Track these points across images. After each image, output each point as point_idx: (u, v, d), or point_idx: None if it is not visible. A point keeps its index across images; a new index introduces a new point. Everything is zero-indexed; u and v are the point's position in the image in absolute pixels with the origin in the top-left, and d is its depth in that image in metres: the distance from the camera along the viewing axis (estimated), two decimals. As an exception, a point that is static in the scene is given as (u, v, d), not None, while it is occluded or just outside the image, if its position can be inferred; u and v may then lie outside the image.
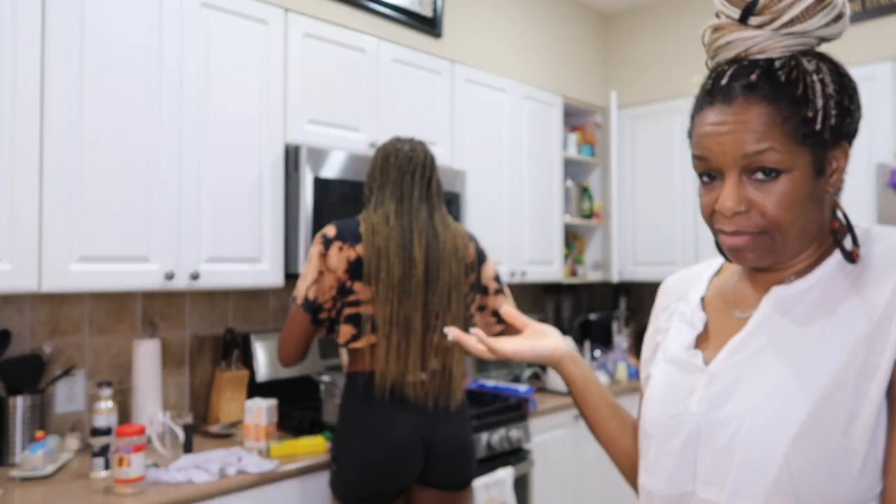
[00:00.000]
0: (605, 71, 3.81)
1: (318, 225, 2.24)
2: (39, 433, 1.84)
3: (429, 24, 2.78)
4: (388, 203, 1.85)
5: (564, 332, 3.73)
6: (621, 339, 3.54)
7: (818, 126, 0.75)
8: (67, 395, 2.10)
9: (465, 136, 2.91)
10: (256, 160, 2.20)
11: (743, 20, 0.78)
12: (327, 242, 1.80)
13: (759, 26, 0.78)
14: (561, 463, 2.84)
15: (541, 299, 3.79)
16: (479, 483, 2.23)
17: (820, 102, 0.75)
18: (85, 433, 2.10)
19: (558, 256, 3.40)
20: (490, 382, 2.87)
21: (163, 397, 2.23)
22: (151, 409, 2.14)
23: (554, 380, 3.04)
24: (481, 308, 2.01)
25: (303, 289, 1.80)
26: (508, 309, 1.02)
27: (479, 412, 2.42)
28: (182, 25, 2.03)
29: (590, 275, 3.73)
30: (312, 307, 1.80)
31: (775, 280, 0.82)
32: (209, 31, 2.10)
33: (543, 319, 3.73)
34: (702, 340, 0.87)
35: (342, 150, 2.37)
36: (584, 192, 3.71)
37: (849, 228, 0.80)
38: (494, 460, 2.42)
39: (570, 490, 2.89)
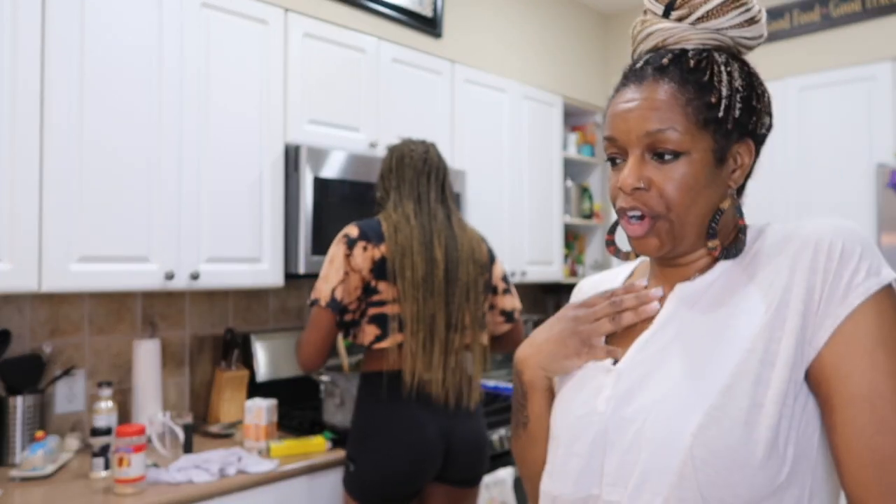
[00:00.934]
0: (605, 71, 3.81)
1: (318, 225, 2.24)
2: (39, 433, 1.84)
3: (429, 24, 2.78)
4: (406, 203, 1.86)
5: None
6: (621, 339, 3.53)
7: (720, 113, 0.78)
8: (67, 395, 2.10)
9: (465, 136, 2.91)
10: (256, 160, 2.20)
11: (665, 15, 0.84)
12: (351, 242, 1.79)
13: (679, 20, 0.83)
14: (561, 463, 2.84)
15: (541, 299, 3.79)
16: (480, 483, 2.23)
17: (725, 91, 0.79)
18: (85, 433, 2.10)
19: (558, 256, 3.40)
20: (490, 382, 2.87)
21: (163, 397, 2.23)
22: (151, 409, 2.14)
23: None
24: (490, 307, 2.02)
25: (327, 290, 1.77)
26: None
27: (479, 412, 2.42)
28: (182, 25, 2.03)
29: (590, 275, 3.72)
30: (339, 308, 1.77)
31: (681, 277, 0.84)
32: (209, 31, 2.10)
33: (543, 319, 3.73)
34: (614, 341, 0.87)
35: (342, 150, 2.37)
36: (584, 192, 3.71)
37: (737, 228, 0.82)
38: (494, 460, 2.42)
39: (570, 490, 2.89)
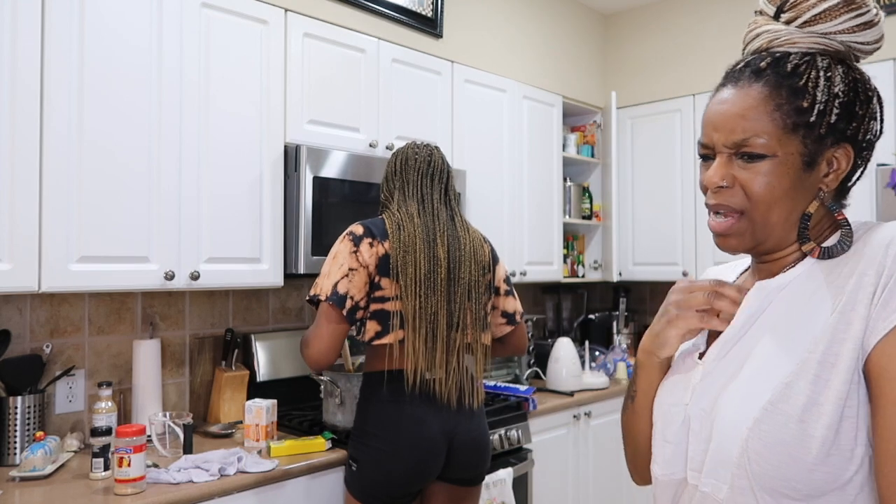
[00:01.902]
0: (605, 71, 3.81)
1: (317, 225, 2.24)
2: (39, 433, 1.84)
3: (429, 24, 2.78)
4: (409, 203, 1.88)
5: (564, 332, 3.73)
6: (621, 339, 3.54)
7: (812, 118, 0.78)
8: (67, 395, 2.10)
9: (465, 136, 2.91)
10: (256, 160, 2.20)
11: (776, 16, 0.84)
12: (357, 239, 1.80)
13: (787, 22, 0.83)
14: (561, 463, 2.84)
15: (541, 299, 3.79)
16: (482, 482, 2.23)
17: (820, 97, 0.78)
18: (85, 433, 2.10)
19: (558, 256, 3.40)
20: (490, 382, 2.87)
21: (163, 397, 2.23)
22: (151, 409, 2.14)
23: (554, 380, 3.04)
24: (492, 308, 2.03)
25: (328, 285, 1.77)
26: None
27: (479, 412, 2.42)
28: (182, 25, 2.03)
29: (590, 275, 3.73)
30: (342, 301, 1.76)
31: (770, 273, 0.86)
32: (209, 31, 2.10)
33: (543, 320, 3.73)
34: (714, 334, 0.91)
35: (342, 150, 2.37)
36: (584, 192, 3.71)
37: (839, 225, 0.83)
38: (494, 460, 2.42)
39: (570, 490, 2.89)
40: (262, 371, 2.43)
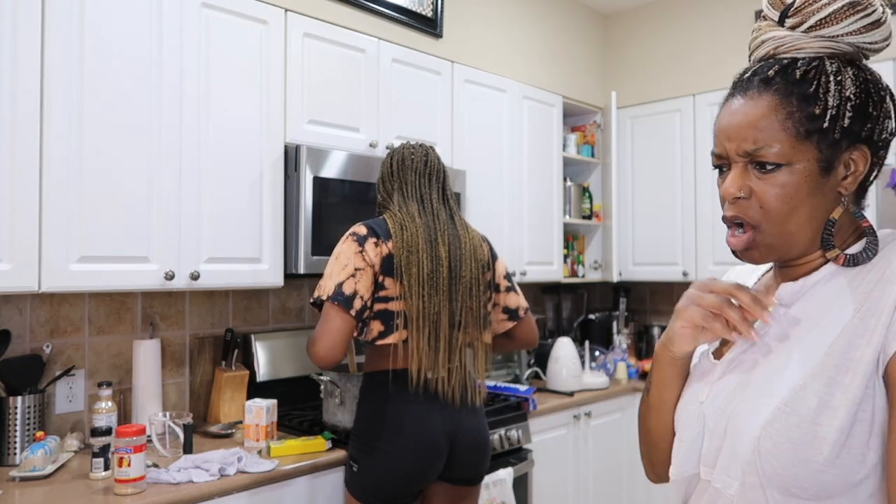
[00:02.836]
0: (605, 71, 3.81)
1: (317, 225, 2.24)
2: (39, 433, 1.84)
3: (429, 24, 2.78)
4: (409, 203, 1.89)
5: (564, 332, 3.73)
6: (621, 339, 3.54)
7: (825, 124, 0.77)
8: (67, 395, 2.10)
9: (465, 136, 2.91)
10: (256, 160, 2.20)
11: (780, 22, 0.82)
12: (361, 239, 1.80)
13: (792, 28, 0.81)
14: (561, 463, 2.84)
15: (541, 299, 3.79)
16: (481, 482, 2.23)
17: (832, 101, 0.77)
18: (85, 433, 2.10)
19: (558, 256, 3.40)
20: (490, 382, 2.87)
21: (163, 397, 2.23)
22: (151, 409, 2.14)
23: (554, 380, 3.04)
24: (494, 305, 2.04)
25: (331, 286, 1.76)
26: None
27: (479, 412, 2.42)
28: (182, 25, 2.03)
29: (590, 275, 3.73)
30: (347, 301, 1.74)
31: (794, 276, 0.85)
32: (209, 32, 2.10)
33: (543, 320, 3.73)
34: (724, 340, 0.91)
35: (342, 150, 2.37)
36: (584, 192, 3.71)
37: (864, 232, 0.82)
38: (494, 460, 2.42)
39: (570, 490, 2.89)
40: (262, 371, 2.43)
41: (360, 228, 1.83)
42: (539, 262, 3.28)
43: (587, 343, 3.31)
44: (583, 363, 3.18)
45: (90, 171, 1.84)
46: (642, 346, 3.75)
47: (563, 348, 3.06)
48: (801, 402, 0.74)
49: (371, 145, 2.51)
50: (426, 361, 1.79)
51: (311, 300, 1.80)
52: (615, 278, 3.57)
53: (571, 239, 3.69)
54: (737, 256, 0.85)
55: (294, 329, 2.62)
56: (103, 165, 1.86)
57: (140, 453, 1.69)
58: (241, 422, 2.31)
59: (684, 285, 3.73)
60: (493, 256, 2.04)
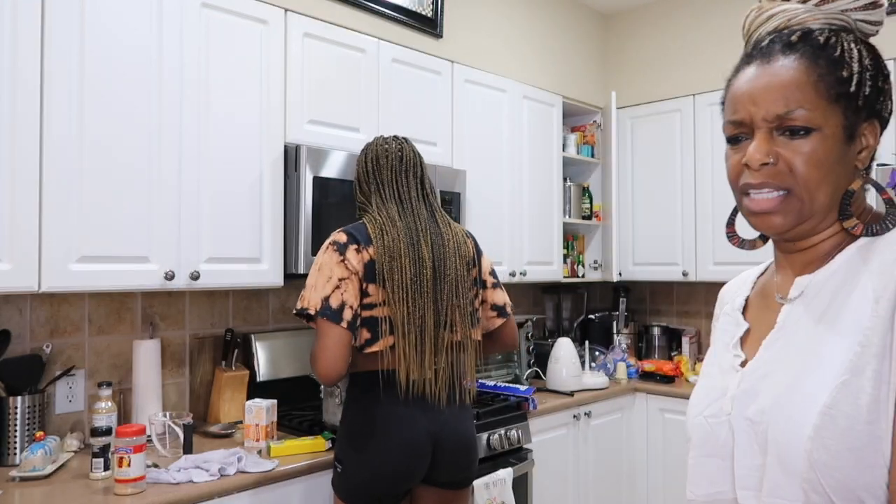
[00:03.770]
0: (605, 71, 3.81)
1: (317, 225, 2.24)
2: (39, 433, 1.84)
3: (429, 24, 2.78)
4: (389, 204, 1.85)
5: (564, 332, 3.73)
6: (621, 339, 3.54)
7: (853, 88, 0.77)
8: (67, 395, 2.10)
9: (465, 136, 2.91)
10: (256, 160, 2.20)
11: None
12: (342, 247, 1.76)
13: (802, 1, 0.82)
14: (561, 463, 2.84)
15: (541, 299, 3.79)
16: (479, 483, 2.23)
17: (857, 67, 0.77)
18: (85, 433, 2.10)
19: (558, 256, 3.40)
20: (490, 382, 2.87)
21: (163, 397, 2.23)
22: (151, 409, 2.14)
23: (554, 380, 3.04)
24: (482, 302, 2.01)
25: (316, 299, 1.71)
26: None
27: (479, 412, 2.42)
28: (182, 25, 2.03)
29: (590, 275, 3.73)
30: (339, 314, 1.70)
31: (804, 262, 0.82)
32: (209, 31, 2.10)
33: (543, 320, 3.73)
34: (746, 341, 0.87)
35: (342, 150, 2.37)
36: (584, 192, 3.71)
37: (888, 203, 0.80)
38: (494, 460, 2.42)
39: (570, 490, 2.89)
40: (262, 371, 2.43)
41: (339, 236, 1.78)
42: (539, 262, 3.28)
43: (587, 343, 3.31)
44: (583, 363, 3.18)
45: (90, 172, 1.84)
46: (642, 346, 3.75)
47: (563, 348, 3.06)
48: (847, 401, 0.68)
49: (371, 145, 2.51)
50: (413, 365, 1.76)
51: (295, 311, 1.76)
52: (615, 278, 3.57)
53: (571, 239, 3.69)
54: (751, 223, 0.80)
55: (294, 329, 2.62)
56: (103, 165, 1.86)
57: (140, 453, 1.69)
58: (241, 422, 2.30)
59: (684, 285, 3.73)
60: (478, 252, 2.00)
